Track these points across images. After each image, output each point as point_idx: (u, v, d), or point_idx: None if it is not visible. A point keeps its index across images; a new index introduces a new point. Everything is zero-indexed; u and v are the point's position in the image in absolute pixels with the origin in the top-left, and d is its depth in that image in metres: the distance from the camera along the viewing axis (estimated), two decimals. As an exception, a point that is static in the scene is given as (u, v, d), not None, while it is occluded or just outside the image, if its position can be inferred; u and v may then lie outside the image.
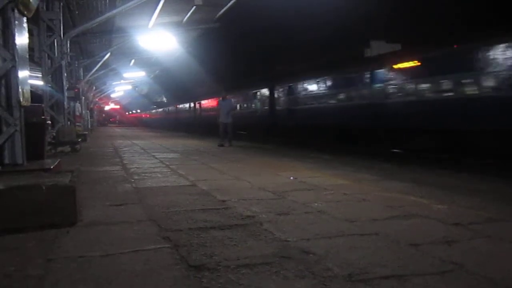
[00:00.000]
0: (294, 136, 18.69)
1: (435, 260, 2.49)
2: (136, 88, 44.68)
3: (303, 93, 18.64)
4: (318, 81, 17.50)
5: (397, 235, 2.99)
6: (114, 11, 11.43)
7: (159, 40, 16.21)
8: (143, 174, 6.31)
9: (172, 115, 47.79)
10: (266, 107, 22.36)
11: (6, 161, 4.39)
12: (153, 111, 64.00)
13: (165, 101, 61.42)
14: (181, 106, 43.85)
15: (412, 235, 2.99)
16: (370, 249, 2.69)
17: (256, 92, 23.94)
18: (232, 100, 17.32)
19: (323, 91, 17.10)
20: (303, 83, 18.73)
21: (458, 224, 3.32)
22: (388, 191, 4.85)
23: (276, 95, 21.38)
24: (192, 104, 38.80)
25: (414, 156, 11.56)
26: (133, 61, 23.73)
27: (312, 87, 18.00)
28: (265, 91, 22.61)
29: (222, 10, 14.63)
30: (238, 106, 25.30)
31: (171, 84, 49.73)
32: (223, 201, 4.22)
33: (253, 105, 24.53)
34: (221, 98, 14.35)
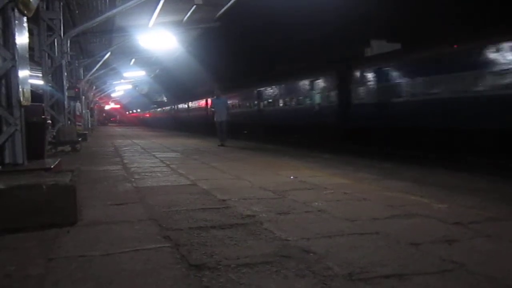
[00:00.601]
0: (391, 143, 13.21)
1: (435, 259, 2.49)
2: (136, 88, 44.68)
3: (416, 78, 12.52)
4: (454, 58, 11.39)
5: (398, 234, 2.99)
6: (114, 11, 11.43)
7: (159, 39, 16.19)
8: (143, 174, 6.32)
9: (172, 114, 47.77)
10: (332, 101, 16.64)
11: (7, 160, 4.39)
12: (154, 110, 64.03)
13: (166, 100, 61.47)
14: (181, 105, 43.80)
15: (412, 234, 2.99)
16: (371, 248, 2.69)
17: (313, 82, 17.95)
18: (227, 98, 15.86)
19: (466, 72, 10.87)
20: (418, 63, 12.63)
21: (459, 223, 3.31)
22: (388, 191, 4.85)
23: (353, 84, 15.47)
24: (192, 104, 38.75)
25: (414, 156, 11.53)
26: (133, 60, 23.72)
27: (436, 66, 11.83)
28: (331, 79, 16.80)
29: (223, 10, 14.62)
30: (281, 102, 21.12)
31: (172, 84, 49.79)
32: (224, 200, 4.22)
33: (307, 100, 18.61)
34: (215, 97, 13.77)
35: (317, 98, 17.70)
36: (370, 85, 14.70)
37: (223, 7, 14.37)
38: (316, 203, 4.08)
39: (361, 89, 15.15)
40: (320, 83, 17.63)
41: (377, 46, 16.92)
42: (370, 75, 14.71)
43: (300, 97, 19.38)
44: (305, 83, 18.90)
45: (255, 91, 24.16)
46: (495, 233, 3.06)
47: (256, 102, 24.18)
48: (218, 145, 12.55)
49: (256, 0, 24.19)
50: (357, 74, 15.38)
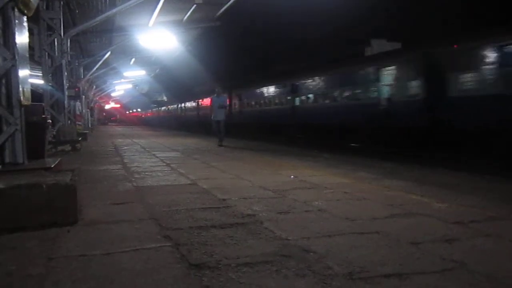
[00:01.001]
0: None
1: (435, 258, 2.49)
2: (137, 87, 44.70)
3: None
4: None
5: (398, 234, 2.99)
6: (114, 10, 11.42)
7: (160, 39, 16.20)
8: (143, 173, 6.31)
9: (173, 114, 47.78)
10: (413, 95, 12.90)
11: (7, 160, 4.38)
12: (154, 110, 64.05)
13: (166, 100, 61.53)
14: (182, 105, 43.79)
15: (412, 234, 2.99)
16: (371, 247, 2.69)
17: (380, 69, 14.24)
18: (226, 96, 14.25)
19: None
20: None
21: (459, 222, 3.31)
22: (388, 190, 4.85)
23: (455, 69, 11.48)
24: (192, 103, 38.73)
25: (414, 156, 11.52)
26: (133, 60, 23.72)
27: None
28: (414, 65, 13.01)
29: (223, 9, 14.62)
30: (327, 97, 17.45)
31: (172, 83, 49.82)
32: (224, 199, 4.22)
33: (375, 93, 14.58)
34: (215, 95, 13.30)
35: (387, 91, 14.06)
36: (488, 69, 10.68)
37: (223, 6, 14.37)
38: (316, 203, 4.08)
39: (471, 76, 11.22)
40: (393, 70, 13.97)
41: (377, 45, 16.93)
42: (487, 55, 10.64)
43: (358, 90, 15.73)
44: (365, 72, 15.27)
45: (289, 85, 20.82)
46: (495, 232, 3.06)
47: (290, 98, 20.91)
48: (219, 145, 12.34)
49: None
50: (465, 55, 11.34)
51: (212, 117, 12.87)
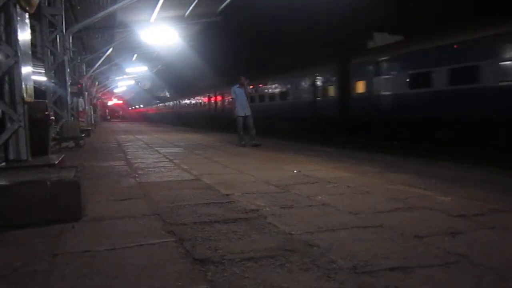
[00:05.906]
0: None
1: (439, 251, 2.49)
2: (139, 83, 44.67)
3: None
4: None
5: (401, 227, 2.99)
6: (116, 6, 11.42)
7: (161, 34, 16.16)
8: (147, 169, 6.33)
9: (175, 110, 47.73)
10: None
11: (11, 157, 4.40)
12: (156, 105, 64.05)
13: (168, 95, 61.51)
14: (184, 101, 43.74)
15: (416, 227, 2.99)
16: (374, 241, 2.70)
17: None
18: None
19: None
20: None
21: (463, 215, 3.31)
22: (391, 183, 4.84)
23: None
24: (195, 99, 38.67)
25: (414, 148, 11.53)
26: (135, 56, 23.71)
27: None
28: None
29: (224, 4, 14.58)
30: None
31: (174, 79, 49.78)
32: (227, 195, 4.22)
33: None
34: (237, 86, 10.44)
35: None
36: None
37: (224, 1, 14.33)
38: (320, 197, 4.08)
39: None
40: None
41: (380, 39, 16.87)
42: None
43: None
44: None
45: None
46: (499, 224, 3.06)
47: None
48: (253, 144, 10.05)
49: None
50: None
51: (235, 113, 10.35)
